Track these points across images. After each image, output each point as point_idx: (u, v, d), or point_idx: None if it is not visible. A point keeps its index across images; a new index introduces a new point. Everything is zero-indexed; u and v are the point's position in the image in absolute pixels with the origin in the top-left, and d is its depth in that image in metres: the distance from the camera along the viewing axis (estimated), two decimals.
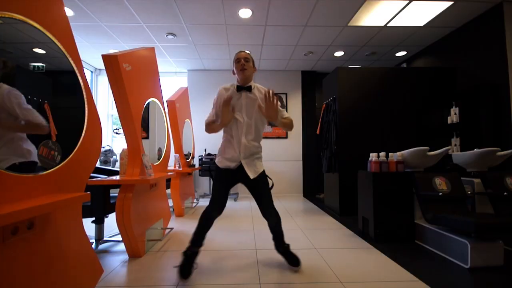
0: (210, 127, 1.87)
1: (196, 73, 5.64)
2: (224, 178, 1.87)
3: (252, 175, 1.79)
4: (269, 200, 1.87)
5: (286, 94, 5.66)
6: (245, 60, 1.81)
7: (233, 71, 1.89)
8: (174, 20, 3.60)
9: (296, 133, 5.67)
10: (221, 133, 1.92)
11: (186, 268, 1.75)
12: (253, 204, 4.61)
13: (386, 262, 2.07)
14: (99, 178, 2.23)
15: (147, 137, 2.65)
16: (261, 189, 1.86)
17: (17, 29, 1.20)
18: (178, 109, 3.79)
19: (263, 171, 1.89)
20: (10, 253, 1.07)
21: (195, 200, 4.67)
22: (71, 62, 1.46)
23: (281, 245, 1.98)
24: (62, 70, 1.44)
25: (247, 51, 1.91)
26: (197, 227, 1.84)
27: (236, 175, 1.84)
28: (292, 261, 1.93)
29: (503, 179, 2.43)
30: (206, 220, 1.83)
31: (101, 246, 2.46)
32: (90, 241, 1.70)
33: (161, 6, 3.25)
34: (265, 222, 1.91)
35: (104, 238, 2.54)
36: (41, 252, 1.23)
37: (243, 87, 1.82)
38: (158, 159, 2.87)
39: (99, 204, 2.24)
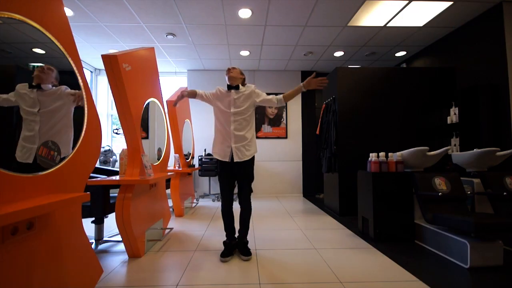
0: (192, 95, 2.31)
1: (196, 73, 5.63)
2: (224, 173, 2.22)
3: (236, 159, 2.13)
4: (247, 194, 2.28)
5: None
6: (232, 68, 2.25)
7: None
8: (174, 20, 3.60)
9: (296, 133, 5.67)
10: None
11: (226, 253, 2.17)
12: (253, 204, 4.59)
13: (386, 262, 2.07)
14: (99, 178, 2.23)
15: (147, 137, 2.65)
16: (243, 178, 2.22)
17: (17, 29, 1.19)
18: (178, 109, 3.79)
19: (250, 162, 2.19)
20: (10, 253, 1.07)
21: (194, 200, 4.67)
22: (71, 62, 1.47)
23: (243, 237, 2.25)
24: (62, 70, 1.44)
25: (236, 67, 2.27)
26: (224, 224, 2.28)
27: (232, 168, 2.18)
28: (245, 252, 2.19)
29: (503, 179, 2.44)
30: (226, 216, 2.26)
31: (101, 246, 2.46)
32: (90, 241, 1.70)
33: (161, 6, 3.25)
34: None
35: (104, 238, 2.54)
36: (41, 252, 1.23)
37: (232, 87, 2.23)
38: (158, 159, 2.87)
39: (98, 204, 2.24)
